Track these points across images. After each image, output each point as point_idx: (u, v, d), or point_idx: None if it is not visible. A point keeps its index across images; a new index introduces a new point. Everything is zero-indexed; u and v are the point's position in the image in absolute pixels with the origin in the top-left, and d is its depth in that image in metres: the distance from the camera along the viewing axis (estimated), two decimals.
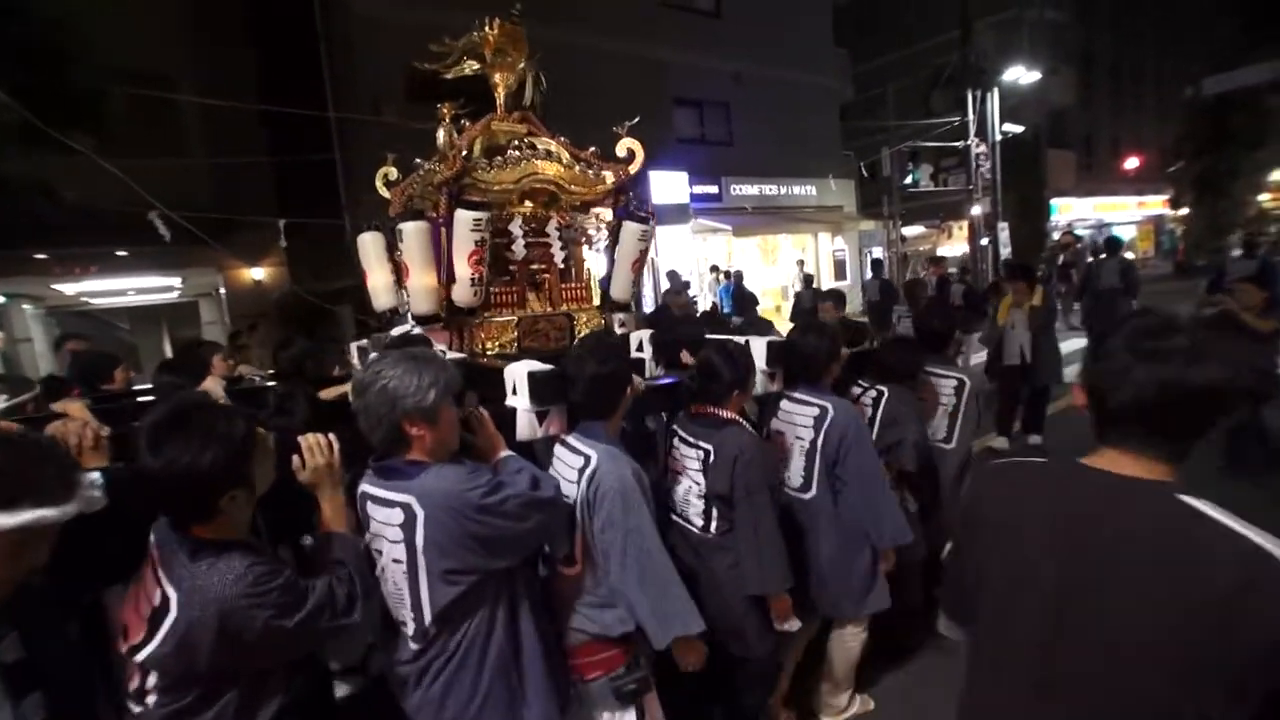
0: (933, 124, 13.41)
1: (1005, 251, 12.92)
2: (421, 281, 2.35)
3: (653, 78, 12.26)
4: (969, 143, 12.51)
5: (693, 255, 13.31)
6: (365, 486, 1.44)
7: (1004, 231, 13.26)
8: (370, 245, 2.64)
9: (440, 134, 2.33)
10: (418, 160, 2.61)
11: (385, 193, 2.75)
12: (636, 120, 2.66)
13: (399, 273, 2.55)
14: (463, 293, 2.33)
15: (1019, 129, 13.90)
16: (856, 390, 2.51)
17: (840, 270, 15.93)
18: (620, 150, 2.71)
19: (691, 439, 2.01)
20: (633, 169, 2.69)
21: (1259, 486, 3.43)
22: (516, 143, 2.58)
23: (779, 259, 15.77)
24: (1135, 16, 22.20)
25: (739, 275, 11.10)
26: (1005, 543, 0.94)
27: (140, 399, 2.76)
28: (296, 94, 10.40)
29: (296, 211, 11.39)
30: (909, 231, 17.92)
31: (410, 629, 1.38)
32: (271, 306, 10.23)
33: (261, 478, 1.19)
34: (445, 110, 2.31)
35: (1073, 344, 7.21)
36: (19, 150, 6.52)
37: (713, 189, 13.63)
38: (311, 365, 2.93)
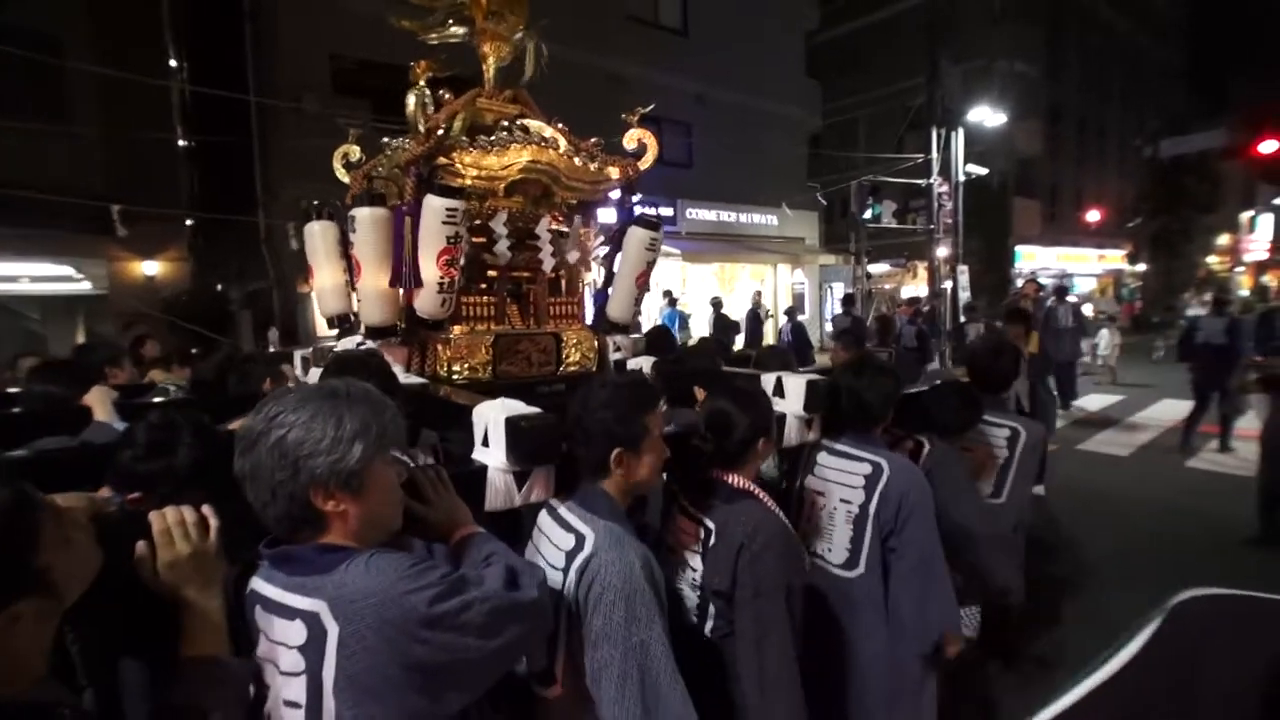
0: (896, 159, 14.02)
1: (965, 295, 13.53)
2: (376, 283, 1.98)
3: (612, 92, 12.23)
4: (932, 181, 13.03)
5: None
6: (256, 583, 1.04)
7: (964, 274, 13.90)
8: (320, 237, 2.25)
9: (410, 100, 1.96)
10: (385, 140, 2.25)
11: (344, 176, 2.38)
12: (651, 107, 2.38)
13: (352, 272, 2.15)
14: (428, 301, 1.95)
15: (983, 171, 14.94)
16: (886, 439, 2.25)
17: (799, 304, 16.28)
18: (628, 142, 2.42)
19: (692, 510, 1.68)
20: (644, 164, 2.41)
21: None
22: (506, 124, 2.25)
23: (737, 288, 15.94)
24: (1101, 75, 24.46)
25: (718, 302, 11.16)
26: None
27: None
28: (218, 75, 9.83)
29: (206, 204, 10.69)
30: (874, 269, 18.70)
31: None
32: (158, 307, 9.38)
33: (69, 579, 0.80)
34: (418, 70, 1.95)
35: None
36: None
37: (667, 211, 13.76)
38: (235, 380, 2.44)
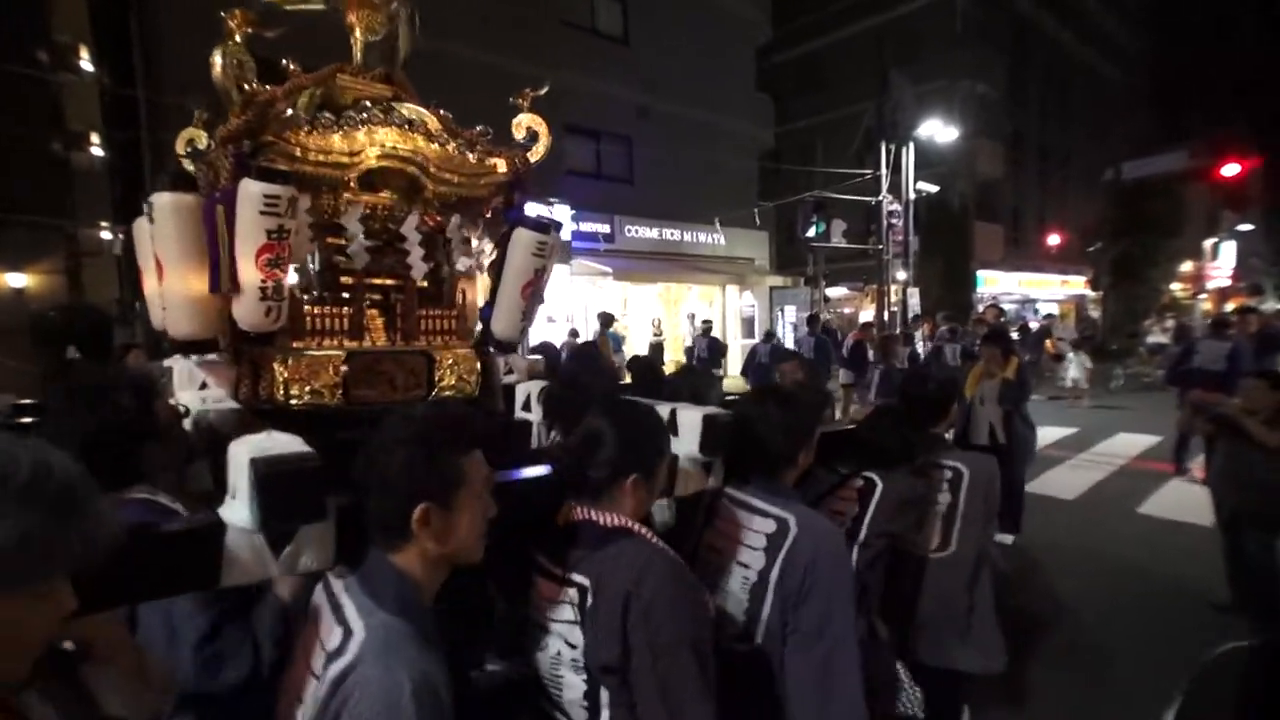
0: (849, 175, 14.35)
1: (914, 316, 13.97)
2: (182, 286, 1.73)
3: (544, 100, 12.19)
4: (881, 198, 13.35)
5: (575, 301, 13.19)
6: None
7: (914, 297, 14.24)
8: (146, 236, 1.97)
9: (217, 61, 1.74)
10: (197, 111, 2.03)
11: (190, 166, 2.12)
12: (545, 90, 2.23)
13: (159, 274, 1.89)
14: (249, 309, 1.72)
15: (933, 188, 15.57)
16: (831, 480, 2.08)
17: (748, 328, 16.43)
18: (517, 131, 2.26)
19: (556, 569, 1.43)
20: (534, 155, 2.26)
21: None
22: (367, 103, 2.05)
23: (682, 310, 16.04)
24: (1064, 99, 26.14)
25: (708, 325, 11.48)
26: None
27: None
28: (106, 63, 9.39)
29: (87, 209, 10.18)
30: (832, 293, 19.01)
31: None
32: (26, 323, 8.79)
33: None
34: (234, 22, 1.73)
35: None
36: None
37: (604, 228, 13.97)
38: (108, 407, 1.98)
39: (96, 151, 9.97)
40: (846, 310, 20.28)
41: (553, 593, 1.42)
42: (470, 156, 2.18)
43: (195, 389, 1.97)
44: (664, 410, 1.74)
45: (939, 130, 14.07)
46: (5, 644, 0.77)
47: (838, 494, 2.02)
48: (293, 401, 1.92)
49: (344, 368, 1.99)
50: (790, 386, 2.22)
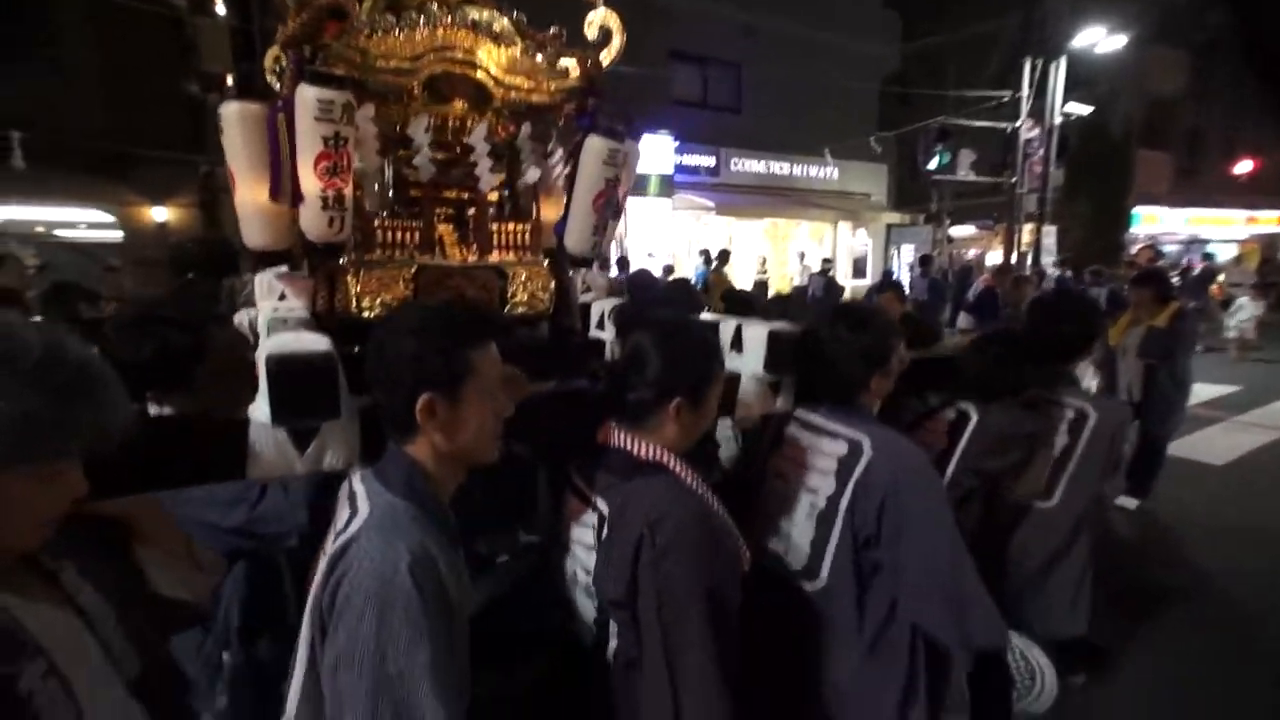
0: (979, 97, 12.91)
1: (1049, 260, 12.56)
2: (253, 197, 1.77)
3: (648, 23, 11.73)
4: (1018, 125, 11.97)
5: (678, 237, 12.90)
6: None
7: (1049, 236, 12.80)
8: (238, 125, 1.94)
9: None
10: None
11: (276, 83, 2.17)
12: None
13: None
14: (313, 219, 1.74)
15: (1085, 110, 13.50)
16: (918, 410, 1.92)
17: (859, 268, 15.54)
18: (589, 29, 2.14)
19: (585, 489, 1.39)
20: (606, 58, 2.12)
21: None
22: (433, 5, 1.99)
23: (790, 249, 15.36)
24: None
25: (828, 264, 10.93)
26: None
27: None
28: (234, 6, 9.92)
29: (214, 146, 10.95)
30: (957, 232, 17.57)
31: None
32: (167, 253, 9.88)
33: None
34: None
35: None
36: None
37: (709, 161, 13.46)
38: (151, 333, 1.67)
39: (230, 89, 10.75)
40: (971, 252, 18.70)
41: (579, 512, 1.40)
42: (539, 59, 2.10)
43: (274, 300, 2.06)
44: (729, 326, 1.65)
45: (1102, 38, 12.11)
46: (10, 519, 0.80)
47: (925, 425, 1.85)
48: (364, 313, 1.96)
49: (413, 281, 2.02)
50: (866, 306, 2.04)
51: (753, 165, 14.03)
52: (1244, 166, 21.94)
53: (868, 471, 1.48)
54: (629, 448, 1.35)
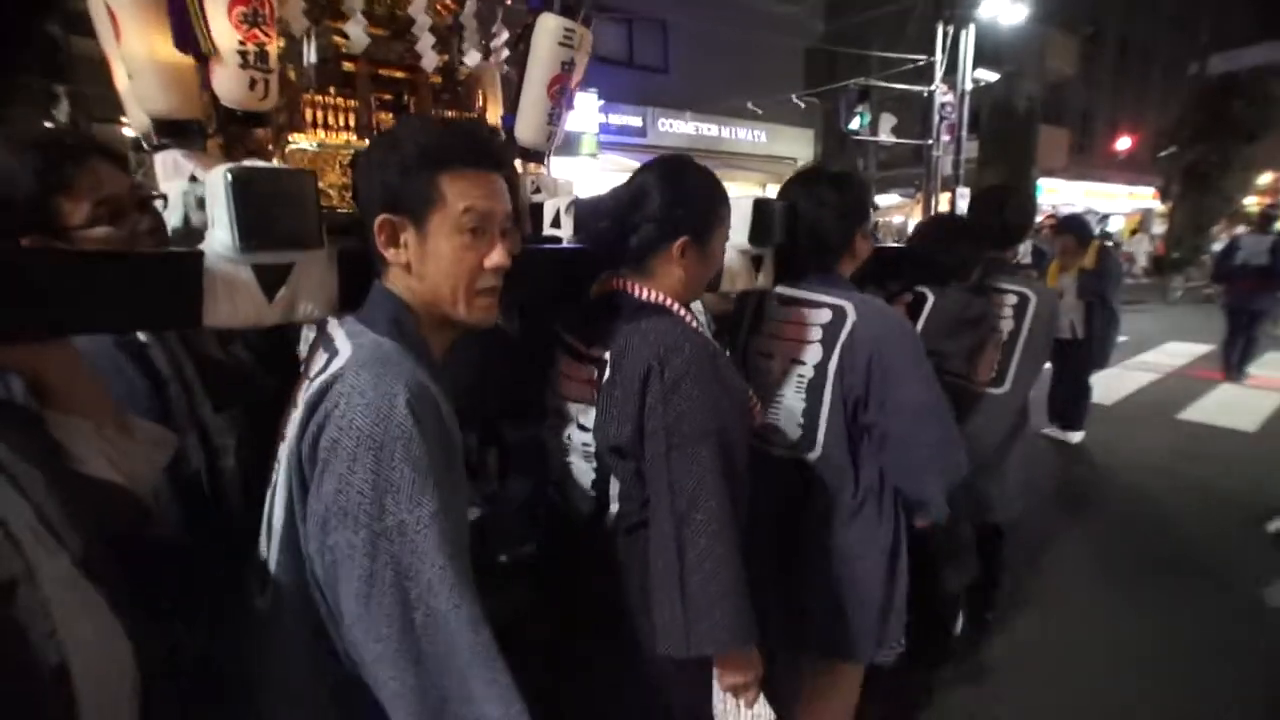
0: (896, 59, 13.44)
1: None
2: (145, 47, 1.45)
3: None
4: (934, 88, 12.44)
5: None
6: None
7: (964, 200, 13.45)
8: None
9: None
10: None
11: None
12: None
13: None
14: (228, 79, 1.51)
15: (993, 76, 14.43)
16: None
17: None
18: None
19: (579, 345, 1.31)
20: None
21: None
22: None
23: None
24: None
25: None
26: None
27: None
28: None
29: None
30: (882, 200, 18.18)
31: None
32: None
33: None
34: None
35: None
36: None
37: (635, 120, 13.33)
38: None
39: None
40: (896, 220, 19.50)
41: (573, 371, 1.33)
42: None
43: (183, 181, 1.83)
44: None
45: (1005, 9, 12.78)
46: None
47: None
48: None
49: (350, 168, 1.84)
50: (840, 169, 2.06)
51: (681, 126, 13.96)
52: (1124, 143, 24.22)
53: (853, 333, 1.50)
54: (630, 290, 1.28)
